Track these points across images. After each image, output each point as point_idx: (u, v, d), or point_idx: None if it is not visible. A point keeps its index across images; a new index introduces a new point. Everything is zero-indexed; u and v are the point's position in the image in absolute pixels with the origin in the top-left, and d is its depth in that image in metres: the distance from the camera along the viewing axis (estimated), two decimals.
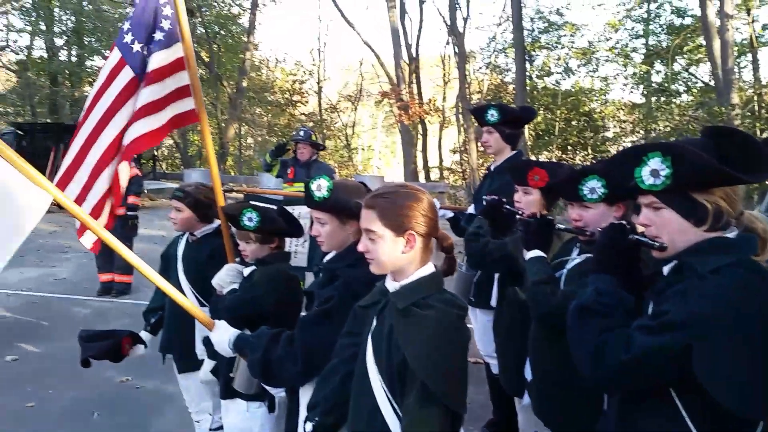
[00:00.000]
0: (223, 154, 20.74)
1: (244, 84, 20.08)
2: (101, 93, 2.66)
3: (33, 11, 18.39)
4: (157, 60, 2.63)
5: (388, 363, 1.61)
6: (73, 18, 18.76)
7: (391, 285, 1.70)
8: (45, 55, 20.64)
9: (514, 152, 3.43)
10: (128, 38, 2.64)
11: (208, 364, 2.71)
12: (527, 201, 2.61)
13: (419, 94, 21.70)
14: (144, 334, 3.01)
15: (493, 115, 3.33)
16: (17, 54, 21.25)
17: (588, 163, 18.50)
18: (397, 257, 1.66)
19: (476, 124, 17.82)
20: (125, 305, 6.47)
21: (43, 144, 13.37)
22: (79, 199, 2.63)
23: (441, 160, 24.22)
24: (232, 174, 20.25)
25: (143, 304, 6.20)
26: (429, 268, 1.69)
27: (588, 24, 20.74)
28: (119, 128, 2.66)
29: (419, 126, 21.28)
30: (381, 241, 1.65)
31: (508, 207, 2.66)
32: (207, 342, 2.55)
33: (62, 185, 2.61)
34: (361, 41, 23.64)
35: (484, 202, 2.91)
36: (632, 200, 2.11)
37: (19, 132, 14.40)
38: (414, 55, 21.46)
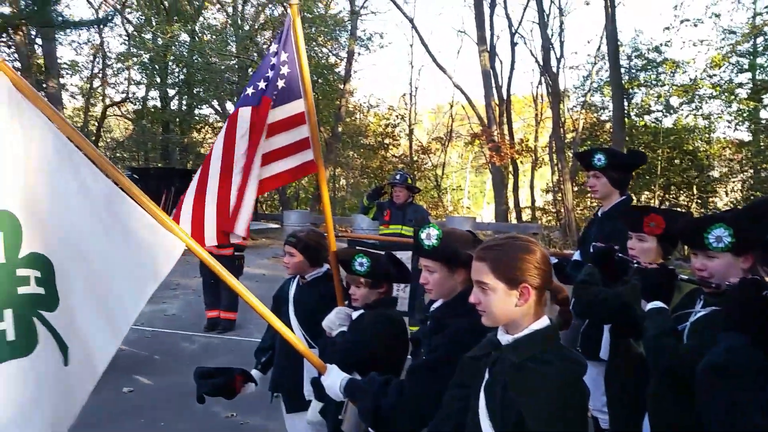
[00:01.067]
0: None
1: (339, 129, 20.81)
2: (223, 144, 2.86)
3: (150, 65, 20.13)
4: (280, 113, 2.81)
5: (502, 419, 1.58)
6: (184, 70, 20.34)
7: (504, 338, 1.68)
8: (158, 105, 22.46)
9: (624, 197, 3.32)
10: (249, 91, 2.83)
11: (316, 405, 2.76)
12: (642, 248, 2.51)
13: (510, 134, 21.56)
14: (254, 373, 3.12)
15: (600, 159, 3.26)
16: (135, 105, 23.32)
17: (705, 210, 17.48)
18: (511, 310, 1.64)
19: (571, 164, 17.48)
20: (230, 341, 6.78)
21: (155, 187, 14.40)
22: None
23: (533, 201, 23.75)
24: None
25: (246, 341, 6.55)
26: (544, 322, 1.66)
27: (690, 60, 19.76)
28: (240, 173, 2.83)
29: (510, 166, 21.06)
30: (493, 293, 1.64)
31: (620, 255, 2.57)
32: (315, 383, 2.62)
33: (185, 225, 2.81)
34: (452, 84, 23.80)
35: (592, 249, 2.83)
36: (761, 251, 1.99)
37: (135, 176, 15.63)
38: (505, 95, 21.44)
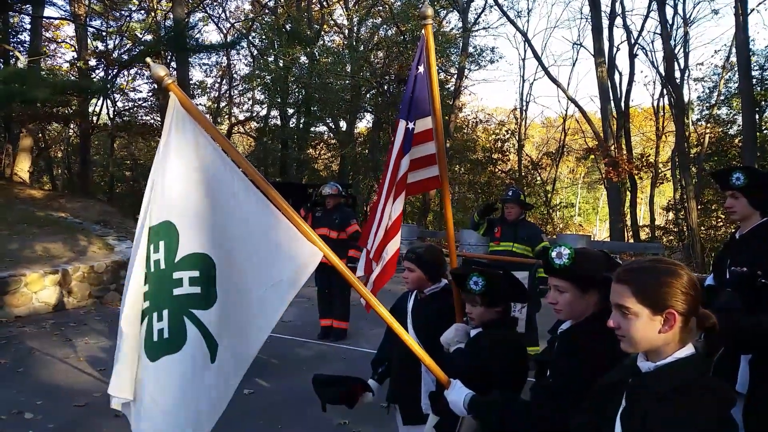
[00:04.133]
0: (425, 210, 21.60)
1: (448, 144, 20.87)
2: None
3: (272, 86, 21.36)
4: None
5: None
6: (303, 91, 21.37)
7: (644, 365, 1.61)
8: (278, 123, 23.75)
9: (765, 219, 3.07)
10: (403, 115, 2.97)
11: (433, 420, 2.78)
12: None
13: (628, 148, 20.55)
14: (371, 383, 3.20)
15: (739, 178, 3.05)
16: (258, 123, 24.82)
17: None
18: (653, 336, 1.57)
19: (696, 180, 16.32)
20: (341, 350, 6.99)
21: None
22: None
23: (652, 219, 22.42)
24: (431, 229, 20.92)
25: (357, 350, 6.71)
26: (689, 350, 1.58)
27: None
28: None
29: (628, 182, 20.04)
30: (635, 318, 1.58)
31: (764, 281, 2.38)
32: (433, 397, 2.65)
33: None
34: (566, 97, 23.14)
35: (730, 274, 2.65)
36: None
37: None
38: (623, 108, 20.50)
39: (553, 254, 2.06)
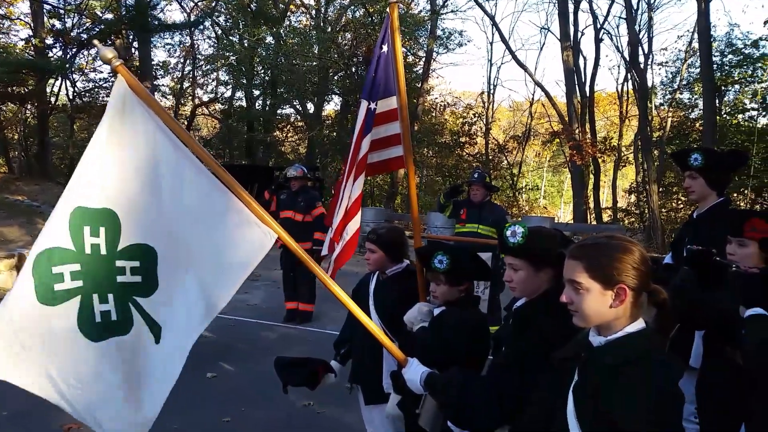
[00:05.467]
0: (393, 193, 21.61)
1: (415, 128, 20.86)
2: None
3: (237, 67, 20.95)
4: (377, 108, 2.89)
5: (592, 423, 1.54)
6: (269, 72, 21.03)
7: (596, 339, 1.64)
8: (244, 105, 23.35)
9: (721, 199, 3.15)
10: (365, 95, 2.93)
11: (394, 398, 2.79)
12: (743, 254, 2.38)
13: (593, 132, 20.87)
14: (334, 364, 3.20)
15: (697, 159, 3.11)
16: (222, 104, 24.34)
17: None
18: (605, 311, 1.60)
19: (657, 163, 16.69)
20: (307, 332, 6.98)
21: (240, 183, 14.89)
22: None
23: (615, 201, 22.89)
24: (400, 212, 20.97)
25: (322, 332, 6.70)
26: (639, 324, 1.61)
27: None
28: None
29: (591, 165, 20.38)
30: (587, 293, 1.60)
31: (718, 258, 2.44)
32: (394, 376, 2.65)
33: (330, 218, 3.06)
34: (532, 81, 23.32)
35: (687, 252, 2.70)
36: None
37: None
38: (588, 93, 20.77)
39: (508, 233, 2.08)
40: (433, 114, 23.81)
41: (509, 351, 2.07)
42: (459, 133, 22.94)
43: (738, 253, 2.41)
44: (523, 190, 27.85)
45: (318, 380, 3.04)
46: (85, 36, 17.93)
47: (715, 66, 16.86)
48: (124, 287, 1.98)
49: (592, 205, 21.36)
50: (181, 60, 23.74)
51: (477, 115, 24.25)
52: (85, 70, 20.24)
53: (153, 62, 20.74)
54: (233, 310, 7.84)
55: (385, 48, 2.80)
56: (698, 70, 17.59)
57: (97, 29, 17.56)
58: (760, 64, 18.60)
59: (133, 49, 19.89)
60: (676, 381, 1.53)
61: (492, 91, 25.38)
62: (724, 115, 19.04)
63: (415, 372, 2.26)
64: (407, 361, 2.33)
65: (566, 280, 1.67)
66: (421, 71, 21.57)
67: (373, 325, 2.41)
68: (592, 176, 21.26)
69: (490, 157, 23.64)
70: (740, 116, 19.29)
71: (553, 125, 23.86)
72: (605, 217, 21.97)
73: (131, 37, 18.95)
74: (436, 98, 24.71)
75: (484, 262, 2.71)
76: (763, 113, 18.84)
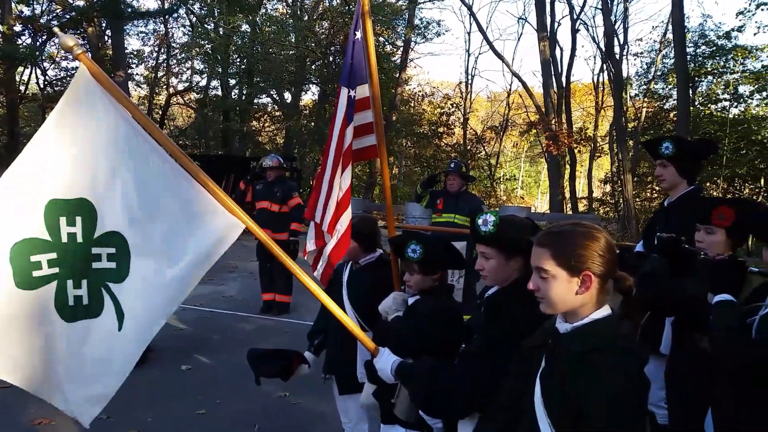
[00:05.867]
0: (372, 184, 21.56)
1: (394, 118, 20.81)
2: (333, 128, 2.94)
3: (212, 55, 20.64)
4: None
5: (559, 409, 1.55)
6: (245, 60, 20.76)
7: (563, 326, 1.64)
8: (220, 94, 23.04)
9: (692, 187, 3.18)
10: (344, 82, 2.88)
11: (369, 388, 2.79)
12: (711, 241, 2.41)
13: (569, 122, 21.04)
14: (308, 355, 3.18)
15: (668, 147, 3.13)
16: (197, 94, 23.99)
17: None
18: (571, 298, 1.60)
19: (632, 154, 16.89)
20: (284, 323, 6.94)
21: (215, 173, 14.73)
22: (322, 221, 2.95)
23: (590, 191, 23.16)
24: (378, 203, 20.94)
25: (300, 323, 6.68)
26: (605, 311, 1.62)
27: (764, 47, 18.74)
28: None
29: (567, 155, 20.57)
30: (554, 280, 1.61)
31: (687, 246, 2.47)
32: (368, 366, 2.64)
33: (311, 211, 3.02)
34: (510, 72, 23.41)
35: (658, 240, 2.73)
36: None
37: (196, 162, 16.08)
38: (564, 83, 20.91)
39: (479, 222, 2.07)
40: (412, 104, 23.76)
41: (480, 339, 2.08)
42: (437, 123, 22.94)
43: (706, 241, 2.44)
44: (501, 180, 27.99)
45: (291, 371, 3.02)
46: (56, 23, 17.48)
47: (688, 57, 17.07)
48: (98, 273, 2.05)
49: (568, 195, 21.58)
50: (156, 48, 23.32)
51: (455, 105, 24.27)
52: (56, 58, 19.77)
53: (127, 51, 20.31)
54: (209, 302, 7.78)
55: (358, 34, 2.77)
56: (672, 60, 17.79)
57: (68, 16, 17.12)
58: (732, 55, 18.91)
59: (106, 38, 19.46)
60: (642, 367, 1.54)
61: (470, 82, 25.42)
62: (698, 106, 19.33)
63: (386, 361, 2.25)
64: (378, 351, 2.32)
65: (533, 268, 1.67)
66: (399, 61, 21.49)
67: (344, 315, 2.39)
68: (568, 166, 21.46)
69: (468, 148, 23.70)
70: (713, 106, 19.60)
71: (530, 116, 23.98)
72: (581, 207, 22.21)
73: (104, 24, 18.51)
74: (414, 88, 24.67)
75: (457, 251, 2.70)
76: (735, 104, 19.20)
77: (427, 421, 2.23)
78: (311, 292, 2.31)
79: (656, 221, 3.33)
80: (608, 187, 21.95)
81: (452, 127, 23.68)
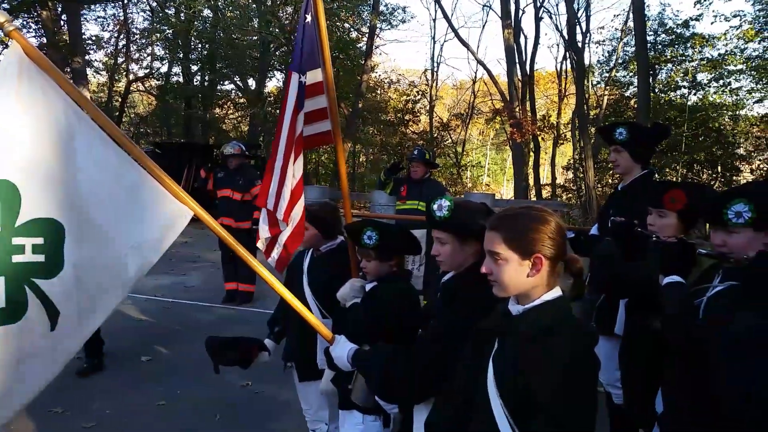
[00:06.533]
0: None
1: (360, 105, 20.68)
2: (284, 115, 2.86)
3: (173, 41, 20.15)
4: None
5: (511, 390, 1.56)
6: (207, 46, 20.33)
7: (515, 308, 1.66)
8: (181, 80, 22.54)
9: (645, 171, 3.24)
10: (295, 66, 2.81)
11: (328, 375, 2.78)
12: (662, 224, 2.45)
13: (533, 110, 21.25)
14: (268, 342, 3.14)
15: (621, 133, 3.18)
16: (158, 80, 23.41)
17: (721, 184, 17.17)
18: (522, 281, 1.62)
19: (594, 141, 17.17)
20: (247, 313, 6.86)
21: (177, 162, 14.47)
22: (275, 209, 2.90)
23: (554, 178, 23.49)
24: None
25: (264, 312, 6.61)
26: (555, 293, 1.64)
27: (721, 36, 19.24)
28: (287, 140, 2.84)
29: (531, 143, 20.80)
30: (505, 264, 1.62)
31: (640, 229, 2.51)
32: (327, 353, 2.63)
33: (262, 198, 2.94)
34: (474, 59, 23.48)
35: (611, 223, 2.78)
36: None
37: (157, 150, 15.74)
38: (528, 71, 21.09)
39: (434, 207, 2.07)
40: (378, 92, 23.65)
41: (436, 324, 2.08)
42: (403, 110, 22.90)
43: (658, 224, 2.48)
44: (467, 167, 28.18)
45: (251, 359, 2.98)
46: (6, 6, 16.79)
47: (648, 45, 17.38)
48: (19, 268, 1.78)
49: (532, 182, 21.84)
50: (115, 34, 22.66)
51: (421, 92, 24.26)
52: (7, 43, 19.03)
53: (84, 36, 19.67)
54: (170, 293, 7.64)
55: (309, 17, 2.71)
56: (633, 48, 18.08)
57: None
58: (690, 44, 19.35)
59: (62, 23, 18.79)
60: (591, 347, 1.57)
61: (435, 69, 25.42)
62: (658, 93, 19.75)
63: (342, 349, 2.25)
64: (334, 339, 2.31)
65: (486, 251, 1.68)
66: (364, 48, 21.32)
67: (297, 303, 2.37)
68: (532, 154, 21.71)
69: (435, 135, 23.75)
70: (672, 94, 20.05)
71: (495, 103, 24.14)
72: (545, 194, 22.53)
73: (59, 8, 17.87)
74: (381, 75, 24.56)
75: (414, 237, 2.70)
76: (694, 91, 19.67)
77: (383, 406, 2.23)
78: (265, 281, 2.29)
79: (611, 205, 3.39)
80: (571, 174, 22.28)
81: (418, 114, 23.67)
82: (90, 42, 20.85)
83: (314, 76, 2.77)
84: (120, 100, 22.51)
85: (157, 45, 22.07)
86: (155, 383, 4.75)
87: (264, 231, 3.01)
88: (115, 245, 1.92)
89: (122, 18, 21.82)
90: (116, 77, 23.06)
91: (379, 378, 2.07)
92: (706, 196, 2.32)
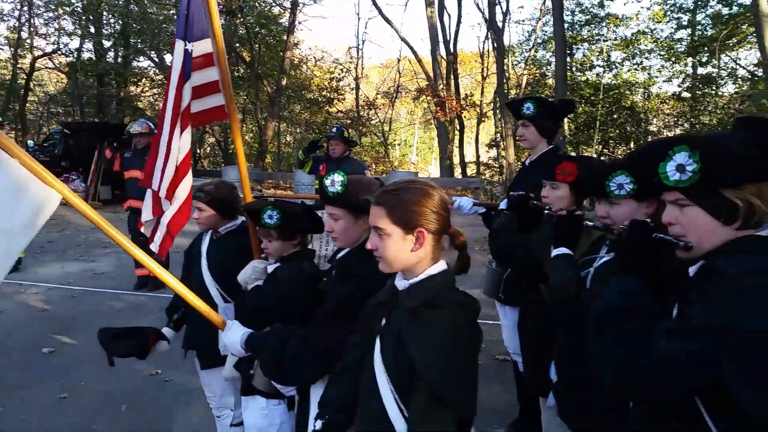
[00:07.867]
0: (263, 152, 21.00)
1: (283, 83, 20.24)
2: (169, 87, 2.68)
3: (83, 15, 18.93)
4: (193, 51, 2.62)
5: (396, 364, 1.55)
6: (120, 21, 19.25)
7: (401, 283, 1.64)
8: (93, 57, 21.27)
9: (551, 146, 3.30)
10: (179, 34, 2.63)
11: (231, 360, 2.69)
12: (555, 196, 2.49)
13: (456, 89, 21.52)
14: (167, 330, 3.01)
15: (529, 108, 3.21)
16: (68, 57, 21.98)
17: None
18: (406, 255, 1.60)
19: (513, 120, 17.60)
20: (160, 299, 6.60)
21: (88, 142, 13.70)
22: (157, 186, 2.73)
23: (477, 156, 23.99)
24: (270, 171, 20.47)
25: None
26: (440, 266, 1.62)
27: (633, 16, 20.10)
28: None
29: (456, 121, 21.09)
30: (389, 238, 1.59)
31: (535, 202, 2.55)
32: None
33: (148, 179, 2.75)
34: (398, 37, 23.44)
35: (509, 198, 2.81)
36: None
37: (66, 131, 14.82)
38: (451, 50, 21.28)
39: (327, 182, 2.01)
40: (302, 69, 23.22)
41: (329, 301, 2.03)
42: (328, 88, 22.62)
43: (551, 196, 2.52)
44: (395, 146, 28.31)
45: (147, 349, 2.84)
46: None
47: (566, 25, 17.92)
48: None
49: (457, 159, 22.22)
50: (18, 6, 21.01)
51: (345, 70, 24.03)
52: None
53: None
54: (78, 280, 7.25)
55: None
56: (552, 29, 18.59)
57: None
58: (605, 24, 20.11)
59: None
60: (474, 319, 1.57)
61: (360, 47, 25.25)
62: (575, 72, 20.45)
63: (234, 334, 2.16)
64: (225, 324, 2.22)
65: (371, 227, 1.64)
66: (287, 23, 20.82)
67: (181, 288, 2.26)
68: (457, 132, 22.04)
69: (361, 114, 23.65)
70: (588, 73, 20.83)
71: (420, 82, 24.27)
72: (469, 171, 22.98)
73: None
74: (304, 52, 24.11)
75: (316, 215, 2.63)
76: (608, 70, 20.49)
77: (279, 389, 2.17)
78: (148, 267, 2.17)
79: (518, 180, 3.44)
80: (494, 152, 22.81)
81: (342, 92, 23.46)
82: None
83: (203, 47, 2.61)
84: (25, 77, 21.00)
85: (65, 19, 20.69)
86: (57, 376, 4.49)
87: (146, 213, 2.84)
88: None
89: None
90: (20, 53, 21.46)
91: (272, 361, 2.01)
92: (593, 168, 2.36)
